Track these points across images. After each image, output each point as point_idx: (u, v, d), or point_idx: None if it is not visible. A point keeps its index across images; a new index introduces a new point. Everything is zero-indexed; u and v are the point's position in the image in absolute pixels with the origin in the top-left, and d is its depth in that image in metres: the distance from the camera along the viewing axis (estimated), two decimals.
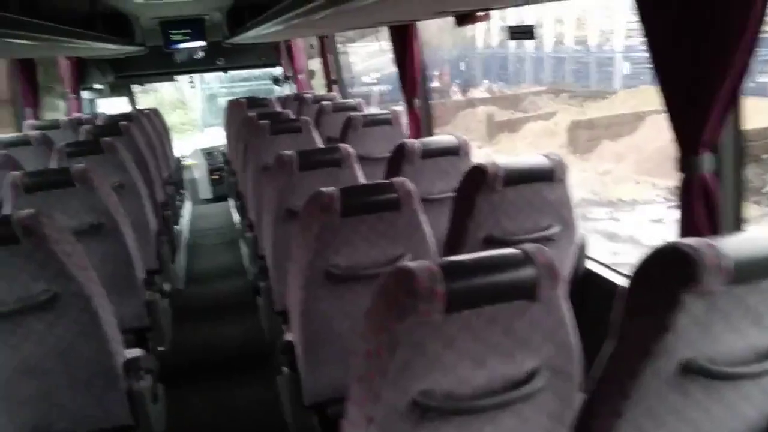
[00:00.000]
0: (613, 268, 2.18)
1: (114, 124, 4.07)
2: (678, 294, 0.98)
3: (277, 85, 7.04)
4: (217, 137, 7.43)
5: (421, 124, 3.40)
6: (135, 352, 2.13)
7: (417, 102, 3.35)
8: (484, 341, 1.07)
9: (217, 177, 7.02)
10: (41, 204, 2.35)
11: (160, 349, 2.87)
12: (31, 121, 4.80)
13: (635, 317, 1.04)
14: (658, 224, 9.37)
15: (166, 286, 3.30)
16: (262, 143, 3.24)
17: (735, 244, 1.01)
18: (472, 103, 17.47)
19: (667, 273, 1.01)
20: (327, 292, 1.78)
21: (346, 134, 3.39)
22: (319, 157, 2.46)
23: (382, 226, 1.77)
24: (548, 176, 1.93)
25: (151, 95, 10.27)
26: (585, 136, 13.41)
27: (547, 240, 1.91)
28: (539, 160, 1.94)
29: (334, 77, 5.48)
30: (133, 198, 3.14)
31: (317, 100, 4.79)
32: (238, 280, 4.40)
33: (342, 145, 2.50)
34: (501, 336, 1.08)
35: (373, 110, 4.28)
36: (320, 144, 3.32)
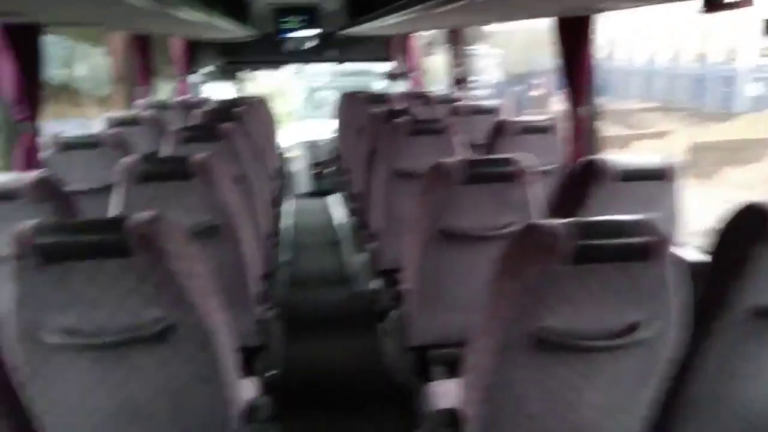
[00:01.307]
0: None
1: (226, 110, 3.74)
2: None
3: (391, 80, 6.62)
4: (317, 129, 7.16)
5: (584, 136, 2.84)
6: (249, 388, 1.76)
7: (582, 111, 2.79)
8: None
9: (317, 172, 6.74)
10: (154, 198, 1.99)
11: (270, 373, 2.47)
12: (142, 101, 4.60)
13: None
14: None
15: (276, 295, 2.92)
16: (396, 144, 2.78)
17: None
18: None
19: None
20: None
21: (495, 142, 2.89)
22: (488, 168, 1.98)
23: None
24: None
25: (251, 83, 10.16)
26: (707, 160, 12.38)
27: None
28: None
29: (461, 76, 4.98)
30: (247, 194, 2.78)
31: (444, 100, 4.31)
32: (343, 289, 4.01)
33: (514, 156, 2.01)
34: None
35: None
36: (463, 151, 2.83)
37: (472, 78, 5.06)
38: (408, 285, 2.16)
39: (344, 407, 2.65)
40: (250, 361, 2.31)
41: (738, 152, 12.32)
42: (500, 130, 2.90)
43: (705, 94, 18.34)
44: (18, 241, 1.23)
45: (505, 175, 1.97)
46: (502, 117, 3.21)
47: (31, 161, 2.74)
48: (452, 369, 2.19)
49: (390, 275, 2.78)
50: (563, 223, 1.20)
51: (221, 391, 1.42)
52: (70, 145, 2.81)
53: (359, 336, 3.26)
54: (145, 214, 1.28)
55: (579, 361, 1.32)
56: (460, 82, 4.95)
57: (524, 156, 2.03)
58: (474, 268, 2.02)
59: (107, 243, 1.25)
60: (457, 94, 4.75)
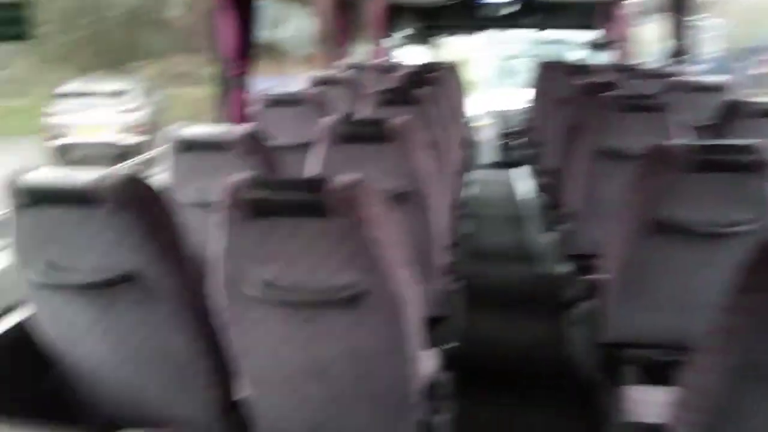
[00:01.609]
0: None
1: (421, 75, 3.69)
2: None
3: (595, 50, 6.18)
4: (506, 99, 6.94)
5: None
6: (430, 360, 1.71)
7: None
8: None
9: (505, 143, 6.55)
10: (351, 160, 2.00)
11: (450, 346, 2.43)
12: (341, 62, 4.73)
13: None
14: None
15: (460, 267, 2.85)
16: (603, 120, 2.54)
17: None
18: None
19: None
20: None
21: (724, 125, 2.53)
22: (722, 156, 1.70)
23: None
24: None
25: (443, 49, 10.07)
26: None
27: None
28: None
29: (680, 49, 4.46)
30: (437, 161, 2.72)
31: (656, 74, 3.89)
32: (525, 268, 3.84)
33: (755, 144, 1.71)
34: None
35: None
36: (681, 132, 2.51)
37: (691, 51, 4.51)
38: (606, 275, 1.97)
39: (521, 393, 2.51)
40: (431, 331, 2.28)
41: None
42: (731, 112, 2.53)
43: None
44: (231, 193, 1.26)
45: (743, 165, 1.68)
46: (732, 96, 2.80)
47: (240, 115, 2.91)
48: (648, 373, 1.98)
49: (581, 261, 2.59)
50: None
51: (405, 363, 1.38)
52: (275, 102, 2.94)
53: (541, 320, 3.08)
54: (347, 177, 1.26)
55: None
56: (677, 54, 4.44)
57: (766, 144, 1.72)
58: (692, 267, 1.80)
59: (309, 203, 1.25)
60: (671, 68, 4.26)
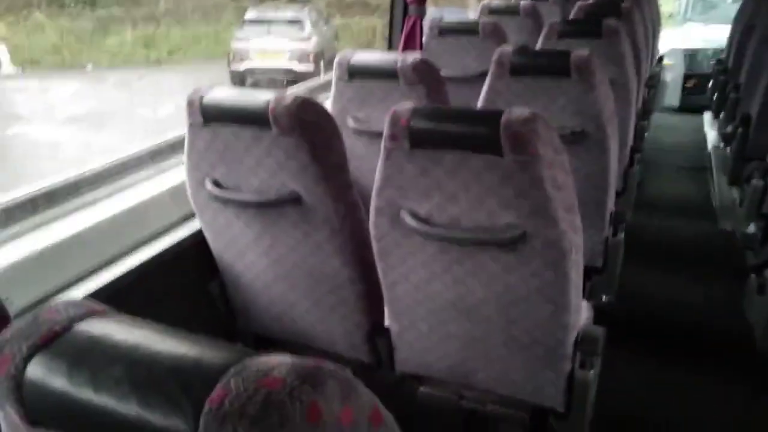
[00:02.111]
0: None
1: (612, 4, 3.35)
2: None
3: None
4: (698, 36, 6.23)
5: None
6: (584, 312, 1.60)
7: None
8: None
9: (691, 85, 5.90)
10: (526, 94, 1.87)
11: (606, 299, 2.27)
12: None
13: None
14: None
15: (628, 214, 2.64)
16: None
17: None
18: None
19: None
20: None
21: None
22: None
23: None
24: None
25: None
26: None
27: None
28: None
29: None
30: (621, 101, 2.48)
31: None
32: (705, 224, 3.46)
33: None
34: None
35: None
36: None
37: None
38: None
39: (680, 357, 2.30)
40: (589, 281, 2.14)
41: None
42: None
43: None
44: (392, 122, 1.21)
45: None
46: None
47: (413, 43, 2.84)
48: None
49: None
50: None
51: (561, 313, 1.29)
52: (448, 31, 2.82)
53: (716, 284, 2.78)
54: (522, 112, 1.15)
55: None
56: None
57: None
58: None
59: (477, 136, 1.16)
60: None
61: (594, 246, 2.01)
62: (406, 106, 1.24)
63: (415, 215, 1.27)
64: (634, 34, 3.21)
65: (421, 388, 1.55)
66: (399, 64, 1.94)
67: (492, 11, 3.55)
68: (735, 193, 3.29)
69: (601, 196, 1.93)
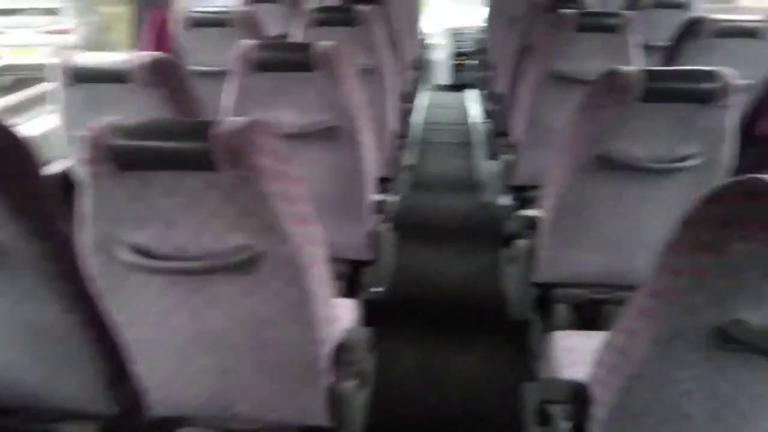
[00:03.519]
0: None
1: None
2: None
3: None
4: (465, 16, 6.57)
5: None
6: (348, 311, 1.59)
7: None
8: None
9: (459, 63, 6.26)
10: (271, 90, 1.76)
11: (376, 290, 2.28)
12: None
13: None
14: None
15: (393, 201, 2.67)
16: (558, 40, 2.32)
17: None
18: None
19: None
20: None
21: (682, 45, 2.34)
22: (679, 84, 1.52)
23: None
24: None
25: None
26: None
27: None
28: None
29: None
30: (376, 88, 2.49)
31: None
32: (469, 197, 3.67)
33: (717, 70, 1.53)
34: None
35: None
36: (640, 54, 2.31)
37: None
38: (545, 213, 1.83)
39: (449, 335, 2.39)
40: (357, 275, 2.13)
41: None
42: (691, 31, 2.33)
43: None
44: (91, 142, 1.03)
45: (702, 95, 1.51)
46: (696, 13, 2.60)
47: (159, 38, 2.60)
48: (582, 313, 1.91)
49: (523, 193, 2.45)
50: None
51: (310, 330, 1.21)
52: (198, 22, 2.63)
53: (479, 256, 2.95)
54: (237, 121, 1.03)
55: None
56: None
57: (730, 71, 1.54)
58: (634, 204, 1.68)
59: (188, 152, 1.02)
60: None
61: (359, 240, 1.99)
62: (104, 124, 1.06)
63: (134, 248, 1.10)
64: (393, 18, 3.26)
65: (181, 430, 1.40)
66: (131, 65, 1.72)
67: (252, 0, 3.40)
68: (491, 167, 3.52)
69: (360, 189, 1.90)
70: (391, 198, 2.34)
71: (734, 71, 1.62)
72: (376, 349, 2.16)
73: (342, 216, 1.93)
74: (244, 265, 1.09)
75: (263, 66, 1.76)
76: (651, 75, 1.49)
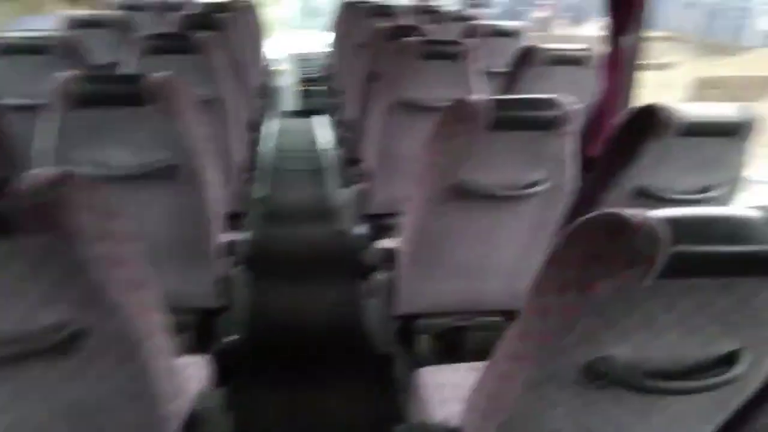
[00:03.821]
0: None
1: (209, 15, 3.21)
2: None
3: None
4: (310, 41, 6.55)
5: (623, 71, 2.39)
6: (199, 369, 1.48)
7: (625, 41, 2.34)
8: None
9: (306, 89, 6.22)
10: (97, 128, 1.56)
11: (231, 339, 2.13)
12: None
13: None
14: None
15: (244, 240, 2.51)
16: (403, 68, 2.33)
17: None
18: (577, 41, 15.84)
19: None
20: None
21: (519, 72, 2.45)
22: (525, 112, 1.56)
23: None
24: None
25: None
26: (711, 96, 11.88)
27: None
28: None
29: None
30: (220, 118, 2.35)
31: (456, 17, 3.79)
32: (325, 226, 3.59)
33: (557, 98, 1.58)
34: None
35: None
36: (480, 80, 2.39)
37: None
38: (403, 244, 1.80)
39: (314, 377, 2.29)
40: (208, 325, 1.97)
41: (743, 90, 11.82)
42: (526, 59, 2.45)
43: (715, 25, 17.56)
44: None
45: (546, 122, 1.55)
46: (527, 42, 2.75)
47: None
48: (445, 342, 1.90)
49: (379, 221, 2.42)
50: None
51: (151, 409, 1.06)
52: (10, 49, 2.33)
53: (338, 286, 2.87)
54: (45, 172, 0.86)
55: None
56: None
57: (565, 97, 1.61)
58: (489, 231, 1.69)
59: None
60: (470, 11, 4.20)
61: (207, 286, 1.83)
62: None
63: None
64: (235, 44, 3.13)
65: None
66: None
67: (75, 24, 3.10)
68: (344, 196, 3.48)
69: (205, 230, 1.75)
70: (241, 236, 2.20)
71: (566, 96, 1.71)
72: (234, 406, 2.00)
73: (187, 262, 1.76)
74: (62, 345, 0.91)
75: (87, 100, 1.56)
76: (498, 104, 1.51)
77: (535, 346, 0.86)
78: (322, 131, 5.51)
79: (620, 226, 0.77)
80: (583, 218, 0.82)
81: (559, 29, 16.80)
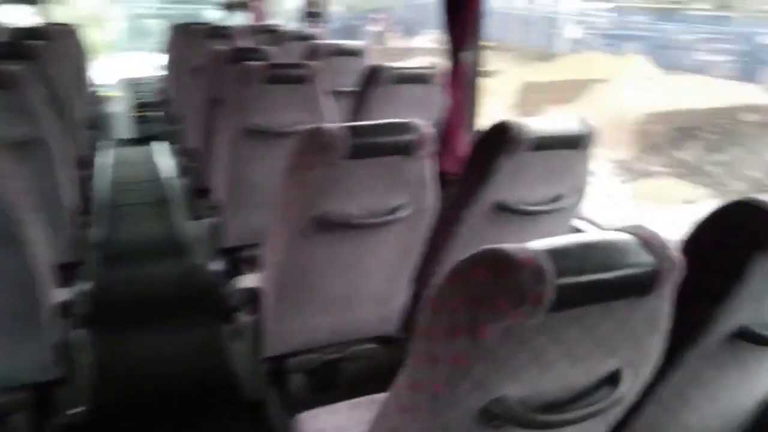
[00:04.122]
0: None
1: (19, 44, 2.86)
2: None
3: (228, 11, 5.80)
4: (141, 64, 6.18)
5: (466, 86, 2.47)
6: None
7: (465, 56, 2.41)
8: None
9: (141, 114, 5.83)
10: None
11: (75, 411, 1.89)
12: None
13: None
14: (611, 200, 8.94)
15: (83, 293, 2.24)
16: (248, 93, 2.22)
17: None
18: (412, 52, 16.53)
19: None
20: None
21: (366, 92, 2.44)
22: (383, 138, 1.53)
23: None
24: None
25: (60, 7, 8.58)
26: (533, 99, 12.96)
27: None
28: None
29: (315, 9, 4.37)
30: (42, 160, 2.09)
31: (297, 37, 3.72)
32: (176, 263, 3.32)
33: (413, 122, 1.57)
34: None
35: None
36: (328, 102, 2.34)
37: (323, 10, 4.46)
38: (266, 282, 1.70)
39: (176, 425, 2.10)
40: (48, 399, 1.72)
41: (559, 92, 13.04)
42: (372, 79, 2.44)
43: (533, 35, 19.16)
44: None
45: (403, 147, 1.53)
46: (370, 60, 2.75)
47: None
48: (317, 377, 1.83)
49: (236, 254, 2.30)
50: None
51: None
52: None
53: (198, 329, 2.64)
54: None
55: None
56: (313, 15, 4.35)
57: (418, 121, 1.60)
58: (355, 261, 1.65)
59: None
60: (310, 30, 4.15)
61: (42, 356, 1.58)
62: None
63: None
64: (54, 75, 2.83)
65: None
66: None
67: None
68: (196, 230, 3.25)
69: (33, 293, 1.51)
70: (79, 289, 1.95)
71: (414, 115, 1.71)
72: None
73: (15, 333, 1.52)
74: None
75: None
76: (354, 132, 1.46)
77: (427, 397, 0.82)
78: (163, 159, 5.17)
79: (504, 264, 0.74)
80: (465, 258, 0.79)
81: (393, 42, 17.45)
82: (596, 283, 0.78)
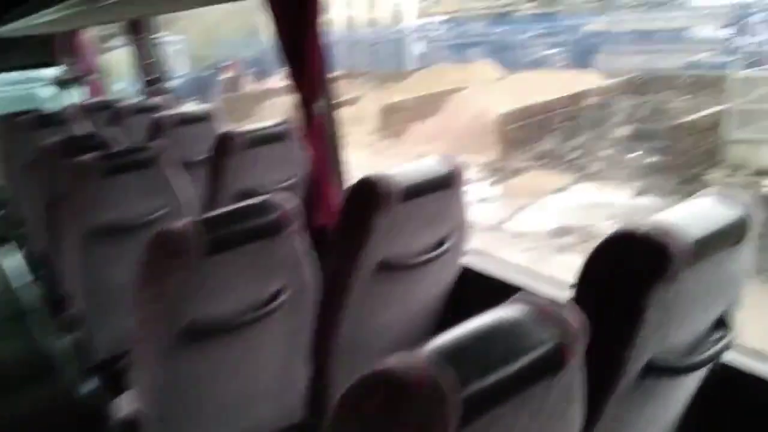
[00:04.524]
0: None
1: None
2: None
3: (62, 88, 5.37)
4: None
5: (325, 137, 2.38)
6: None
7: (319, 108, 2.32)
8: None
9: None
10: None
11: None
12: None
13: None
14: (485, 203, 9.25)
15: None
16: (89, 190, 2.00)
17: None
18: (268, 94, 16.40)
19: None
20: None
21: (221, 161, 2.28)
22: (242, 225, 1.38)
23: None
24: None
25: None
26: (395, 119, 13.25)
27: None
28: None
29: (153, 74, 4.12)
30: None
31: (139, 109, 3.46)
32: (39, 393, 2.75)
33: (273, 199, 1.45)
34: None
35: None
36: (183, 179, 2.16)
37: (163, 70, 4.22)
38: (146, 406, 1.50)
39: None
40: None
41: (418, 109, 13.48)
42: (225, 147, 2.29)
43: (381, 57, 19.67)
44: None
45: (267, 228, 1.40)
46: (221, 125, 2.60)
47: None
48: None
49: (109, 368, 2.05)
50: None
51: None
52: None
53: None
54: None
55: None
56: (152, 82, 4.10)
57: (283, 196, 1.48)
58: (239, 362, 1.49)
59: None
60: (153, 98, 3.89)
61: None
62: None
63: None
64: None
65: None
66: None
67: None
68: (59, 344, 2.84)
69: None
70: None
71: (277, 175, 1.58)
72: None
73: None
74: None
75: None
76: (208, 225, 1.31)
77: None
78: (11, 265, 4.59)
79: (397, 392, 0.64)
80: (353, 386, 0.67)
81: (248, 86, 17.18)
82: (505, 380, 0.69)
